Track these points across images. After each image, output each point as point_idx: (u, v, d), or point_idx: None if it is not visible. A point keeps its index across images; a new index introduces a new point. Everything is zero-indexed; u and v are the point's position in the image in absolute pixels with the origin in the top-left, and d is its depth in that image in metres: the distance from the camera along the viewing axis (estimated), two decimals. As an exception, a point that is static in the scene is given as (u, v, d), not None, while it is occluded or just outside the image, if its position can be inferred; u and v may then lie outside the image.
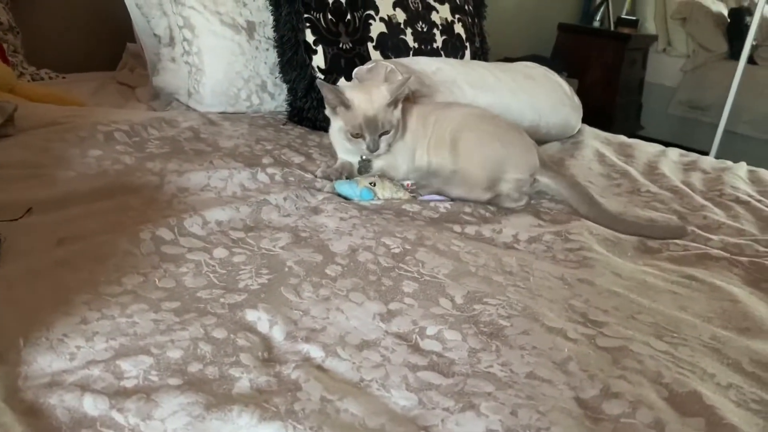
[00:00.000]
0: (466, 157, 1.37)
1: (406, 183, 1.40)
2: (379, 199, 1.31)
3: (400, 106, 1.38)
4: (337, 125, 1.39)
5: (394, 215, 1.23)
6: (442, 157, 1.41)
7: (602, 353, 0.85)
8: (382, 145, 1.35)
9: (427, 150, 1.43)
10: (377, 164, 1.42)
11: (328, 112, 1.40)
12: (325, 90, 1.34)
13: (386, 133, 1.35)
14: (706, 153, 2.85)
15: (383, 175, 1.37)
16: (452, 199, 1.35)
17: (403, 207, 1.28)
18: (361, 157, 1.41)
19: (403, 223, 1.21)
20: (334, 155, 1.51)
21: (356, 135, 1.34)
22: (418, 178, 1.41)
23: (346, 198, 1.30)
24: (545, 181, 1.43)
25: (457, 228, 1.22)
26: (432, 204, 1.30)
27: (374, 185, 1.31)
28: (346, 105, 1.33)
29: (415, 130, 1.44)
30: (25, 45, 2.01)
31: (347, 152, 1.43)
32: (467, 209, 1.31)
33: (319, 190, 1.31)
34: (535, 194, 1.46)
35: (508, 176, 1.37)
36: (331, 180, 1.36)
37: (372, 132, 1.33)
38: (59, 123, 1.41)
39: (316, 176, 1.39)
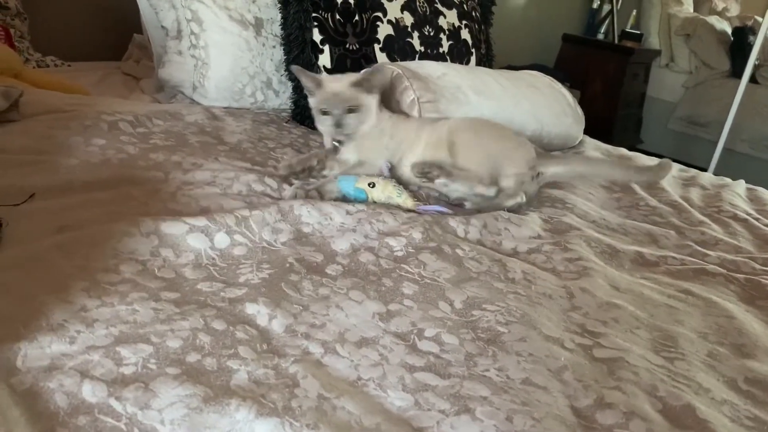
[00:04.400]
0: (465, 155, 1.39)
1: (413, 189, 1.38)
2: (372, 201, 1.27)
3: (375, 93, 1.39)
4: (312, 106, 1.40)
5: (400, 212, 1.22)
6: (442, 156, 1.41)
7: (598, 364, 0.85)
8: (350, 121, 1.35)
9: (423, 154, 1.42)
10: (350, 157, 1.40)
11: (309, 100, 1.41)
12: (301, 75, 1.38)
13: (352, 111, 1.35)
14: (704, 169, 2.86)
15: (388, 178, 1.34)
16: (453, 214, 1.30)
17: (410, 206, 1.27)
18: (334, 144, 1.42)
19: (411, 221, 1.19)
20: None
21: (324, 112, 1.35)
22: (420, 168, 1.37)
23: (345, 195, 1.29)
24: (554, 170, 1.45)
25: (460, 233, 1.22)
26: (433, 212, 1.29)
27: (373, 186, 1.28)
28: (318, 85, 1.36)
29: (403, 138, 1.44)
30: (31, 31, 2.00)
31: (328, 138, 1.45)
32: (468, 215, 1.30)
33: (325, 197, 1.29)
34: (535, 202, 1.46)
35: (507, 171, 1.39)
36: (294, 172, 1.35)
37: (336, 107, 1.34)
38: (64, 111, 1.40)
39: (278, 172, 1.35)
